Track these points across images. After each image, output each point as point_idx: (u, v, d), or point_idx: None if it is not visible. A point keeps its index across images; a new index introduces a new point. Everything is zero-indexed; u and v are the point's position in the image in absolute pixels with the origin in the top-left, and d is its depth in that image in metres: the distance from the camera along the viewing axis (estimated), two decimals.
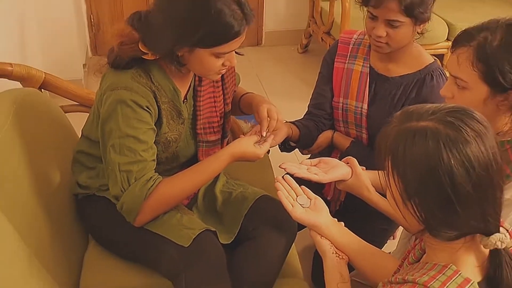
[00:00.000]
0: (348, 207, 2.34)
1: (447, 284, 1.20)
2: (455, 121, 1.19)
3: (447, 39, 4.28)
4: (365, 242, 1.70)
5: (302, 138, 2.33)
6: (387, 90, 2.24)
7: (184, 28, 1.64)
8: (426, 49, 2.28)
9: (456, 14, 4.29)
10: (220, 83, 2.04)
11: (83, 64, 4.32)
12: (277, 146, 2.08)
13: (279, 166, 1.89)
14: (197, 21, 1.62)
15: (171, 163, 1.96)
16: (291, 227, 1.95)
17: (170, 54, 1.71)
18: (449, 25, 4.23)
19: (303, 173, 1.86)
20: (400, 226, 2.41)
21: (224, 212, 2.00)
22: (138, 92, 1.72)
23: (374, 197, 1.86)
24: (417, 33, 2.11)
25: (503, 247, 1.24)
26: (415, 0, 1.97)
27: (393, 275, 1.38)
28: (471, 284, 1.21)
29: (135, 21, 1.74)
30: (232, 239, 1.91)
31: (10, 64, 2.14)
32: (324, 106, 2.40)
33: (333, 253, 1.64)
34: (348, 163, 1.90)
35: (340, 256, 1.64)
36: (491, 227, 1.24)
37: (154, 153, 1.79)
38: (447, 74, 1.91)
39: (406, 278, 1.27)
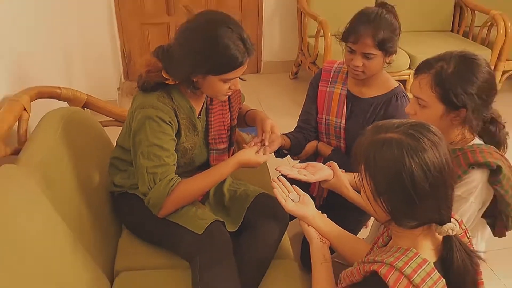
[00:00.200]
0: (330, 202, 2.34)
1: (409, 264, 1.20)
2: (415, 133, 1.20)
3: (409, 68, 4.27)
4: (344, 230, 1.71)
5: (293, 147, 2.34)
6: (361, 108, 2.24)
7: (198, 59, 1.65)
8: (392, 76, 2.28)
9: (416, 48, 4.29)
10: (227, 103, 2.04)
11: (117, 88, 4.32)
12: (273, 153, 2.08)
13: (275, 169, 1.90)
14: (209, 54, 1.63)
15: (188, 167, 1.96)
16: (284, 218, 1.95)
17: (187, 80, 1.72)
18: (410, 57, 4.23)
19: (294, 174, 1.87)
20: (372, 217, 2.43)
21: (230, 206, 2.00)
22: (162, 110, 1.73)
23: (351, 194, 1.87)
24: (386, 63, 2.12)
25: (453, 234, 1.25)
26: (385, 37, 1.99)
27: (365, 256, 1.38)
28: (428, 263, 1.21)
29: (159, 54, 1.75)
30: (237, 228, 1.91)
31: (59, 87, 2.15)
32: (310, 122, 2.40)
33: (318, 238, 1.65)
34: (330, 166, 1.91)
35: (324, 241, 1.65)
36: (444, 218, 1.25)
37: (175, 159, 1.80)
38: (410, 96, 1.92)
39: (376, 259, 1.27)
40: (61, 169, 1.78)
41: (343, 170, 1.92)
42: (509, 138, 1.79)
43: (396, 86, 2.22)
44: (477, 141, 1.73)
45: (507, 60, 4.45)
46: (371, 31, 1.99)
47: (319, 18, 4.08)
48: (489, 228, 1.88)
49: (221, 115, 2.01)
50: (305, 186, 1.93)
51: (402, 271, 1.19)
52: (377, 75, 2.17)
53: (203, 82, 1.72)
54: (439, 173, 1.18)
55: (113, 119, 2.41)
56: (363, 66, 2.07)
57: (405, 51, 4.23)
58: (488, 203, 1.73)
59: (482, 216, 1.80)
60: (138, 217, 1.93)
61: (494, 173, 1.64)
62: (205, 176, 1.84)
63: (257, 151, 1.89)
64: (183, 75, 1.71)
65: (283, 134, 2.21)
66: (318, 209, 1.74)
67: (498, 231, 1.84)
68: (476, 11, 4.73)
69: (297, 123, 2.48)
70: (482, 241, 1.94)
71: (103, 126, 2.29)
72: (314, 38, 4.34)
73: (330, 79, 2.33)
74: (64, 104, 2.18)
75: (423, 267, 1.20)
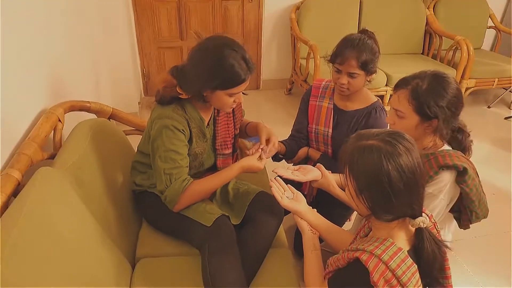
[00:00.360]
0: (318, 199, 2.34)
1: (386, 251, 1.21)
2: (392, 140, 1.21)
3: (386, 85, 4.26)
4: (331, 223, 1.71)
5: (287, 152, 2.34)
6: (345, 120, 2.24)
7: (208, 77, 1.66)
8: (371, 91, 2.28)
9: (392, 68, 4.30)
10: (231, 115, 2.05)
11: (138, 102, 4.32)
12: (270, 158, 2.08)
13: (272, 171, 1.90)
14: (217, 72, 1.64)
15: (198, 169, 1.96)
16: (280, 213, 1.95)
17: (198, 94, 1.73)
18: (387, 75, 4.23)
19: (288, 175, 1.88)
20: (354, 212, 2.43)
21: (234, 203, 2.00)
22: (177, 120, 1.73)
23: (337, 191, 1.87)
24: (367, 81, 2.13)
25: (424, 226, 1.25)
26: (367, 59, 2.01)
27: (349, 245, 1.39)
28: (402, 251, 1.22)
29: (174, 72, 1.76)
30: (240, 221, 1.91)
31: (89, 102, 2.15)
32: (302, 131, 2.41)
33: (309, 230, 1.66)
34: (319, 168, 1.92)
35: (314, 232, 1.65)
36: (416, 212, 1.25)
37: (187, 162, 1.80)
38: (387, 108, 1.92)
39: (358, 247, 1.27)
40: (91, 171, 1.79)
41: (330, 171, 1.92)
42: (473, 145, 1.80)
43: (375, 100, 2.23)
44: (446, 147, 1.74)
45: (469, 78, 4.46)
46: (355, 54, 2.01)
47: (309, 43, 4.09)
48: (455, 221, 1.89)
49: (226, 125, 2.01)
50: (297, 185, 1.93)
51: (381, 257, 1.19)
52: (359, 91, 2.18)
53: (212, 96, 1.73)
54: (412, 174, 1.19)
55: (134, 128, 2.41)
56: (348, 83, 2.09)
57: (382, 71, 4.23)
58: (455, 199, 1.73)
59: (449, 211, 1.81)
60: (156, 212, 1.93)
61: (461, 174, 1.65)
62: (213, 177, 1.84)
63: (259, 158, 1.90)
64: (195, 90, 1.72)
65: (279, 141, 2.21)
66: (309, 205, 1.74)
67: (463, 224, 1.84)
68: (443, 37, 4.75)
69: (291, 132, 2.48)
70: (449, 232, 1.95)
71: (126, 135, 2.29)
72: (305, 60, 4.35)
73: (319, 95, 2.33)
74: (93, 116, 2.18)
75: (398, 255, 1.20)
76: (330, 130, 2.28)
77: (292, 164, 2.42)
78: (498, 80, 4.64)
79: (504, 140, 4.18)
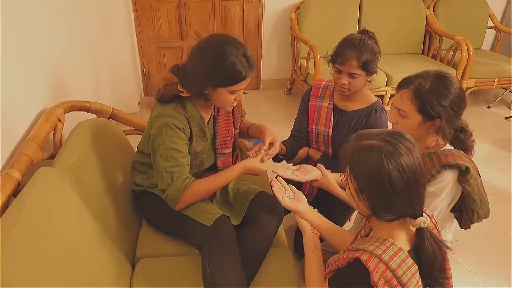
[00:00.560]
0: (319, 199, 2.34)
1: (387, 252, 1.20)
2: (393, 140, 1.20)
3: (386, 85, 4.27)
4: (332, 222, 1.71)
5: (288, 153, 2.34)
6: (345, 120, 2.24)
7: (209, 74, 1.66)
8: (371, 91, 2.28)
9: (392, 68, 4.30)
10: (231, 114, 2.05)
11: (138, 102, 4.32)
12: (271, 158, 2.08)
13: (272, 171, 1.90)
14: (218, 69, 1.64)
15: (198, 168, 1.96)
16: (280, 213, 1.94)
17: (199, 92, 1.73)
18: (387, 76, 4.23)
19: (288, 175, 1.89)
20: (354, 212, 2.43)
21: (234, 203, 1.99)
22: (177, 118, 1.73)
23: (338, 191, 1.87)
24: (367, 81, 2.13)
25: (425, 226, 1.25)
26: (368, 60, 2.00)
27: (350, 245, 1.38)
28: (403, 251, 1.22)
29: (175, 70, 1.77)
30: (240, 221, 1.90)
31: (89, 102, 2.15)
32: (302, 131, 2.40)
33: (310, 230, 1.66)
34: (319, 168, 1.92)
35: (315, 232, 1.65)
36: (417, 212, 1.25)
37: (188, 160, 1.80)
38: (387, 108, 1.93)
39: (358, 247, 1.27)
40: (91, 171, 1.79)
41: (330, 171, 1.93)
42: (475, 145, 1.80)
43: (375, 100, 2.23)
44: (449, 146, 1.74)
45: (469, 78, 4.46)
46: (356, 54, 2.01)
47: (309, 43, 4.09)
48: (456, 221, 1.89)
49: (226, 124, 2.01)
50: (298, 185, 1.93)
51: (381, 257, 1.19)
52: (359, 91, 2.17)
53: (213, 93, 1.73)
54: (413, 174, 1.19)
55: (134, 128, 2.40)
56: (349, 84, 2.09)
57: (383, 71, 4.23)
58: (457, 199, 1.73)
59: (451, 211, 1.81)
60: (156, 211, 1.93)
61: (463, 173, 1.65)
62: (215, 177, 1.84)
63: (261, 160, 1.90)
64: (196, 88, 1.72)
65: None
66: (309, 205, 1.74)
67: (464, 224, 1.84)
68: (443, 37, 4.75)
69: (291, 132, 2.48)
70: (450, 232, 1.95)
71: (126, 135, 2.29)
72: (305, 60, 4.35)
73: (319, 95, 2.33)
74: (93, 116, 2.18)
75: (399, 255, 1.20)
76: (330, 130, 2.28)
77: (292, 164, 2.42)
78: (498, 80, 4.64)
79: (504, 140, 4.18)
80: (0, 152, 1.55)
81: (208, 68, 1.66)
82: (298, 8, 4.63)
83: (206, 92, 1.73)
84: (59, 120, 1.91)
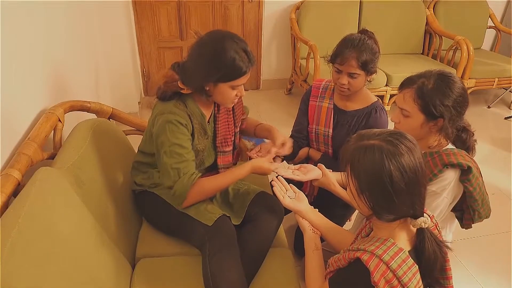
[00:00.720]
0: (319, 200, 2.34)
1: (387, 252, 1.20)
2: (394, 140, 1.20)
3: (386, 85, 4.27)
4: (332, 222, 1.71)
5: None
6: (345, 120, 2.24)
7: (209, 69, 1.66)
8: (371, 91, 2.28)
9: (392, 68, 4.30)
10: (231, 112, 2.04)
11: (138, 102, 4.32)
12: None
13: (272, 170, 1.90)
14: (218, 64, 1.64)
15: (199, 167, 1.95)
16: (280, 213, 1.95)
17: (200, 88, 1.73)
18: (387, 76, 4.23)
19: (289, 174, 1.89)
20: (355, 212, 2.43)
21: (234, 203, 1.99)
22: (179, 114, 1.73)
23: (338, 190, 1.88)
24: (367, 81, 2.12)
25: (425, 226, 1.25)
26: (368, 59, 2.00)
27: (350, 245, 1.38)
28: (403, 252, 1.22)
29: (175, 67, 1.77)
30: (240, 221, 1.90)
31: (89, 102, 2.15)
32: (302, 131, 2.41)
33: (310, 230, 1.66)
34: (319, 168, 1.92)
35: (315, 232, 1.66)
36: (418, 212, 1.25)
37: (193, 156, 1.80)
38: (387, 109, 1.93)
39: (359, 247, 1.27)
40: (90, 171, 1.78)
41: (331, 171, 1.93)
42: (477, 144, 1.80)
43: (375, 100, 2.23)
44: (451, 146, 1.74)
45: (469, 78, 4.46)
46: (355, 54, 2.00)
47: (309, 43, 4.09)
48: (457, 221, 1.89)
49: (226, 122, 2.00)
50: (298, 185, 1.93)
51: (381, 258, 1.19)
52: (359, 91, 2.17)
53: (214, 89, 1.73)
54: (414, 174, 1.19)
55: (134, 128, 2.40)
56: (349, 84, 2.09)
57: (382, 71, 4.24)
58: (458, 198, 1.74)
59: (452, 210, 1.81)
60: (156, 211, 1.93)
61: (465, 173, 1.65)
62: (223, 175, 1.85)
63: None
64: (197, 84, 1.72)
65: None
66: (310, 205, 1.74)
67: (465, 224, 1.85)
68: (443, 37, 4.75)
69: (291, 133, 2.48)
70: (450, 232, 1.95)
71: (126, 135, 2.29)
72: (305, 60, 4.36)
73: (319, 95, 2.33)
74: (93, 116, 2.18)
75: (399, 255, 1.20)
76: (331, 130, 2.27)
77: (293, 164, 2.42)
78: (498, 80, 4.64)
79: (504, 140, 4.18)
80: (0, 152, 1.54)
81: (208, 63, 1.66)
82: (298, 8, 4.63)
83: (207, 89, 1.73)
84: (59, 120, 1.90)
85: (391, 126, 1.85)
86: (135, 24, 4.45)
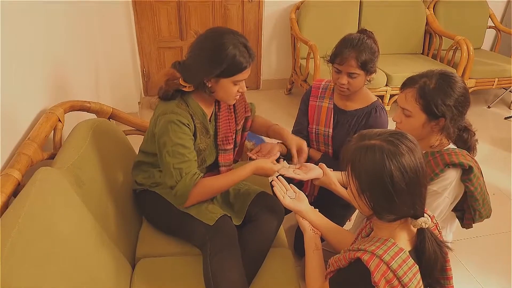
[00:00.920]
0: (319, 199, 2.34)
1: (388, 252, 1.20)
2: (394, 140, 1.20)
3: (386, 85, 4.27)
4: (332, 222, 1.71)
5: (288, 153, 2.33)
6: (345, 119, 2.24)
7: (211, 65, 1.66)
8: (371, 91, 2.28)
9: (392, 68, 4.31)
10: (233, 111, 2.04)
11: (138, 102, 4.31)
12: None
13: (276, 171, 1.90)
14: (219, 59, 1.64)
15: (200, 165, 1.94)
16: (280, 213, 1.95)
17: (202, 85, 1.73)
18: (387, 76, 4.23)
19: (290, 173, 1.90)
20: (355, 212, 2.43)
21: (235, 203, 1.99)
22: (181, 114, 1.73)
23: (339, 189, 1.88)
24: (367, 80, 2.12)
25: (426, 227, 1.25)
26: (367, 59, 2.00)
27: (351, 245, 1.38)
28: (404, 252, 1.21)
29: (176, 65, 1.77)
30: (241, 222, 1.90)
31: (89, 102, 2.15)
32: (302, 131, 2.40)
33: (310, 230, 1.66)
34: (320, 167, 1.93)
35: (315, 232, 1.66)
36: (418, 213, 1.25)
37: (195, 156, 1.79)
38: (387, 109, 1.92)
39: (359, 247, 1.27)
40: (90, 171, 1.78)
41: (332, 170, 1.93)
42: (478, 144, 1.80)
43: (375, 100, 2.23)
44: (452, 146, 1.74)
45: (469, 78, 4.46)
46: (354, 54, 2.00)
47: (309, 43, 4.09)
48: (457, 221, 1.89)
49: (227, 120, 2.00)
50: (298, 185, 1.93)
51: (382, 258, 1.19)
52: (359, 91, 2.17)
53: (216, 85, 1.73)
54: (415, 174, 1.18)
55: (134, 128, 2.40)
56: (348, 84, 2.09)
57: (383, 71, 4.24)
58: (459, 198, 1.74)
59: (452, 210, 1.81)
60: (157, 210, 1.93)
61: (466, 172, 1.65)
62: (225, 176, 1.84)
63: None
64: (199, 80, 1.72)
65: (280, 142, 2.21)
66: (310, 205, 1.74)
67: (466, 223, 1.85)
68: (443, 37, 4.75)
69: (291, 133, 2.47)
70: (451, 232, 1.95)
71: (126, 135, 2.29)
72: (305, 60, 4.36)
73: (319, 95, 2.33)
74: (93, 116, 2.18)
75: (400, 255, 1.20)
76: (331, 130, 2.27)
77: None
78: (498, 80, 4.64)
79: (504, 140, 4.18)
80: (0, 152, 1.54)
81: (209, 57, 1.66)
82: (298, 8, 4.63)
83: (209, 85, 1.73)
84: (59, 120, 1.90)
85: (391, 125, 1.85)
86: (135, 24, 4.45)
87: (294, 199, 1.75)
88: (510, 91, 4.98)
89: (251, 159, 2.01)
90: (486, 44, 5.44)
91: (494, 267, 2.60)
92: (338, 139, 2.27)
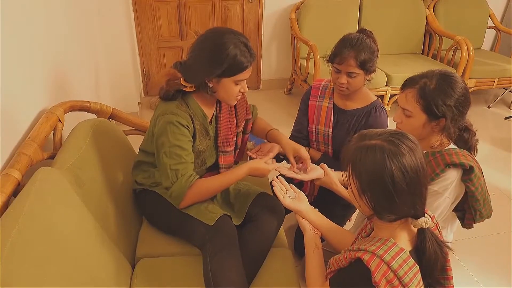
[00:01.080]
0: (319, 199, 2.34)
1: (388, 252, 1.20)
2: (395, 140, 1.20)
3: (386, 85, 4.27)
4: (332, 222, 1.71)
5: None
6: (345, 119, 2.24)
7: (212, 66, 1.66)
8: (371, 91, 2.28)
9: (392, 68, 4.30)
10: (233, 112, 2.04)
11: (138, 102, 4.31)
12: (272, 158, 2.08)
13: (272, 169, 1.90)
14: (220, 60, 1.64)
15: (200, 167, 1.95)
16: (281, 213, 1.94)
17: (203, 85, 1.73)
18: (387, 75, 4.23)
19: (291, 173, 1.90)
20: (355, 212, 2.43)
21: (235, 203, 1.99)
22: (181, 116, 1.73)
23: (340, 189, 1.88)
24: (367, 80, 2.12)
25: (426, 227, 1.25)
26: (366, 59, 2.00)
27: (351, 245, 1.38)
28: (404, 252, 1.21)
29: (177, 65, 1.77)
30: (241, 222, 1.90)
31: (89, 102, 2.15)
32: (302, 131, 2.40)
33: (310, 229, 1.66)
34: (321, 167, 1.93)
35: (315, 232, 1.66)
36: (419, 213, 1.25)
37: (193, 158, 1.79)
38: (387, 108, 1.92)
39: (360, 247, 1.27)
40: (90, 171, 1.78)
41: (333, 170, 1.93)
42: (478, 144, 1.80)
43: (374, 100, 2.23)
44: (453, 146, 1.74)
45: (469, 78, 4.46)
46: (354, 54, 2.00)
47: (309, 43, 4.09)
48: (458, 221, 1.89)
49: (228, 122, 2.00)
50: (299, 185, 1.93)
51: (382, 258, 1.19)
52: (358, 90, 2.17)
53: (218, 85, 1.73)
54: (415, 174, 1.18)
55: (134, 128, 2.40)
56: (348, 83, 2.09)
57: (382, 71, 4.24)
58: (460, 198, 1.74)
59: (453, 210, 1.81)
60: (157, 210, 1.92)
61: (467, 172, 1.66)
62: (221, 176, 1.84)
63: (266, 163, 1.90)
64: (200, 80, 1.72)
65: None
66: (310, 205, 1.74)
67: (467, 224, 1.85)
68: (443, 37, 4.75)
69: (291, 133, 2.47)
70: (451, 232, 1.95)
71: (126, 135, 2.28)
72: (305, 60, 4.36)
73: (319, 95, 2.33)
74: (93, 116, 2.18)
75: (400, 255, 1.20)
76: (331, 130, 2.27)
77: None
78: (498, 80, 4.64)
79: (504, 140, 4.18)
80: (0, 152, 1.54)
81: (210, 57, 1.66)
82: (298, 8, 4.63)
83: (211, 85, 1.73)
84: (59, 120, 1.90)
85: (391, 125, 1.85)
86: (135, 24, 4.45)
87: (294, 199, 1.75)
88: (510, 91, 4.97)
89: (251, 158, 2.01)
90: (486, 44, 5.44)
91: (494, 267, 2.60)
92: (338, 138, 2.27)
